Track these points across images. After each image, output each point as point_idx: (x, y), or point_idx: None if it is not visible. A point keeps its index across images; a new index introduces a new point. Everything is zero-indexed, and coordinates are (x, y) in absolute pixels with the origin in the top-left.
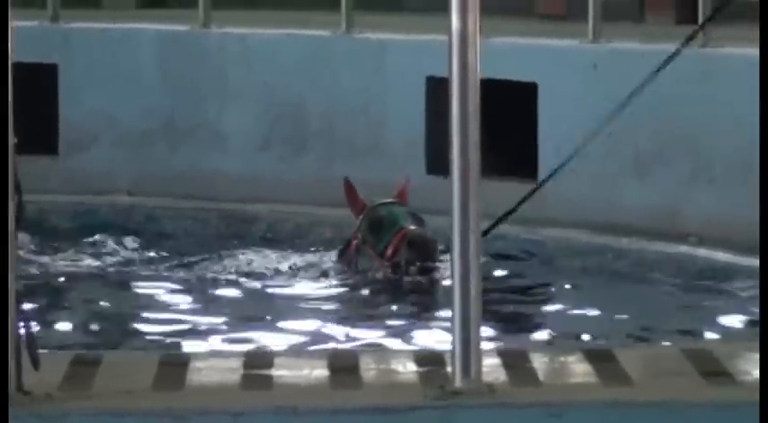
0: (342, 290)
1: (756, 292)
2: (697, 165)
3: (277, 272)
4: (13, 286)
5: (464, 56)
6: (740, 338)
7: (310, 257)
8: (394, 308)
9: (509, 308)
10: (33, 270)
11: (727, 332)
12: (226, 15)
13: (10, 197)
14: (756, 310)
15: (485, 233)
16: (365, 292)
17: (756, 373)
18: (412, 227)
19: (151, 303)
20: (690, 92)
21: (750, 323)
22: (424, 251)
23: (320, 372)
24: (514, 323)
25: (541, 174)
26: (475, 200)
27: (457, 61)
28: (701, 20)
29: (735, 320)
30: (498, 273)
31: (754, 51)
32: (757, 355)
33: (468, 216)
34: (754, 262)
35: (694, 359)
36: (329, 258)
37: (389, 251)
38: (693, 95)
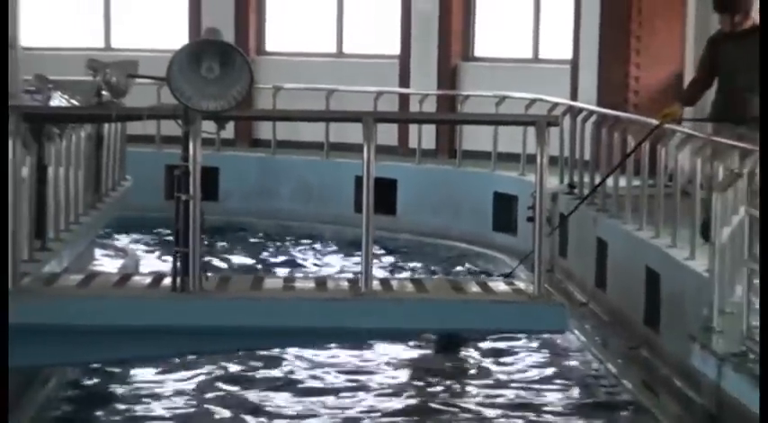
0: None
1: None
2: (455, 208)
3: None
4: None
5: (369, 169)
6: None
7: None
8: None
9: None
10: None
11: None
12: None
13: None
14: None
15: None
16: None
17: (475, 288)
18: None
19: None
20: (451, 180)
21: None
22: None
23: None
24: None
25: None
26: (371, 218)
27: (365, 170)
28: (457, 155)
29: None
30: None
31: (481, 169)
32: (475, 282)
33: (369, 224)
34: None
35: (450, 283)
36: None
37: None
38: (453, 180)
